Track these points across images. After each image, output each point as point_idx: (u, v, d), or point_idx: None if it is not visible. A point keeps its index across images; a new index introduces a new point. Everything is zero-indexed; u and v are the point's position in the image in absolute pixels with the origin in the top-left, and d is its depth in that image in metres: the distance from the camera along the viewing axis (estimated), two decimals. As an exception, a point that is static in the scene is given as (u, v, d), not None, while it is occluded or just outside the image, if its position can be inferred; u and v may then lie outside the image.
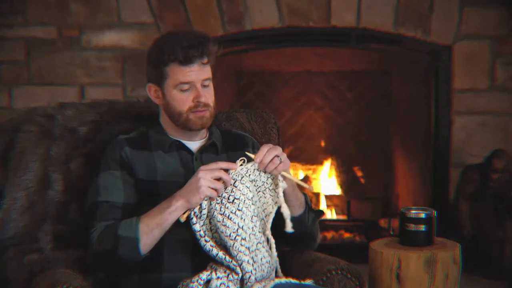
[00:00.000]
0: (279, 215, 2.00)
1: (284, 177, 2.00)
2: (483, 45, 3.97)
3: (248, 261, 1.91)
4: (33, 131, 2.19)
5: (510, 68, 3.99)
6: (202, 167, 1.93)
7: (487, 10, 3.95)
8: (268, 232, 1.99)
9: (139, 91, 3.92)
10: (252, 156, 1.97)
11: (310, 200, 2.16)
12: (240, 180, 1.95)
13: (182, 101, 2.04)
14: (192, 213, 1.93)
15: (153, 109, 2.25)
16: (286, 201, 2.02)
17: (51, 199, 2.17)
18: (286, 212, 1.98)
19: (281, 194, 1.98)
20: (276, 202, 1.98)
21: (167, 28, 3.91)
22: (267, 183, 1.99)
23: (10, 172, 2.16)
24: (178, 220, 1.93)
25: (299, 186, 2.08)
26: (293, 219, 2.04)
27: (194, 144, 2.12)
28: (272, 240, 1.99)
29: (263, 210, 2.00)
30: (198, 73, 2.03)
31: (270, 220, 1.99)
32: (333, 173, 4.67)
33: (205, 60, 2.04)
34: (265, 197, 1.99)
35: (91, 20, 3.93)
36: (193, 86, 2.03)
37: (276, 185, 1.98)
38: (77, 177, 2.19)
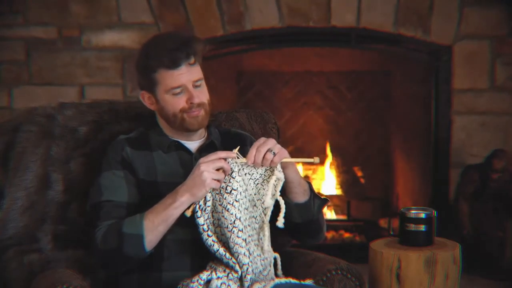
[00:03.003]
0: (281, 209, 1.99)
1: (286, 164, 1.97)
2: (483, 45, 3.97)
3: (244, 253, 1.91)
4: (33, 131, 2.19)
5: (510, 68, 3.99)
6: (201, 160, 1.92)
7: (487, 10, 3.95)
8: (266, 226, 1.98)
9: (139, 91, 3.92)
10: (244, 160, 1.96)
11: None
12: (238, 172, 1.95)
13: (176, 104, 2.04)
14: (197, 206, 1.93)
15: (154, 109, 2.26)
16: (290, 188, 2.01)
17: (51, 199, 2.17)
18: (268, 202, 1.96)
19: (271, 185, 1.95)
20: (273, 195, 1.96)
21: (167, 28, 3.92)
22: (264, 174, 1.98)
23: (10, 172, 2.16)
24: (183, 216, 1.93)
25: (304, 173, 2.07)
26: (298, 206, 2.03)
27: (193, 144, 2.12)
28: (267, 235, 1.97)
29: (262, 203, 1.98)
30: (187, 74, 2.02)
31: (269, 213, 1.98)
32: (333, 173, 4.67)
33: (192, 60, 2.03)
34: (263, 189, 1.98)
35: (91, 20, 3.93)
36: (184, 88, 2.03)
37: (270, 176, 1.96)
38: (77, 177, 2.19)
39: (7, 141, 2.20)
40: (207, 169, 1.90)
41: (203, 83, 2.07)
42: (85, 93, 3.96)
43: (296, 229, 2.09)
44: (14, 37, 3.93)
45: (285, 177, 1.99)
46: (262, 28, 3.95)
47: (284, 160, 1.96)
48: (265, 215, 1.98)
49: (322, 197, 2.13)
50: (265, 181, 1.98)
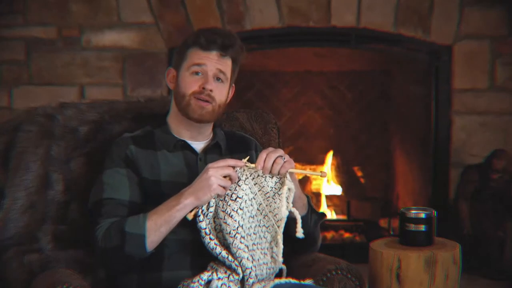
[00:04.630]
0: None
1: (292, 174, 1.98)
2: (483, 45, 3.98)
3: (247, 258, 1.92)
4: (33, 131, 2.19)
5: (510, 68, 3.99)
6: (210, 165, 1.93)
7: (487, 10, 3.95)
8: (280, 238, 1.98)
9: (139, 91, 3.93)
10: (252, 166, 1.97)
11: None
12: (244, 181, 1.96)
13: (189, 83, 2.05)
14: (200, 211, 1.93)
15: (154, 109, 2.25)
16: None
17: (51, 199, 2.17)
18: (297, 216, 1.97)
19: (284, 196, 1.96)
20: (286, 207, 1.96)
21: (167, 28, 3.92)
22: (275, 188, 1.98)
23: (10, 172, 2.16)
24: (184, 218, 1.93)
25: (301, 186, 2.07)
26: (295, 220, 2.04)
27: (198, 145, 2.13)
28: (281, 246, 1.98)
29: (274, 216, 1.98)
30: (214, 62, 2.05)
31: (282, 225, 1.98)
32: (333, 173, 4.67)
33: (224, 52, 2.06)
34: (275, 203, 1.98)
35: (91, 20, 3.93)
36: (205, 73, 2.05)
37: (281, 188, 1.97)
38: (78, 177, 2.19)
39: (7, 141, 2.20)
40: (215, 174, 1.91)
41: (226, 82, 2.09)
42: (85, 93, 3.96)
43: (290, 240, 2.09)
44: (14, 37, 3.93)
45: (296, 184, 2.01)
46: (262, 28, 3.95)
47: (292, 170, 1.97)
48: (278, 226, 1.98)
49: (319, 211, 2.16)
50: (276, 194, 1.98)
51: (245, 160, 1.97)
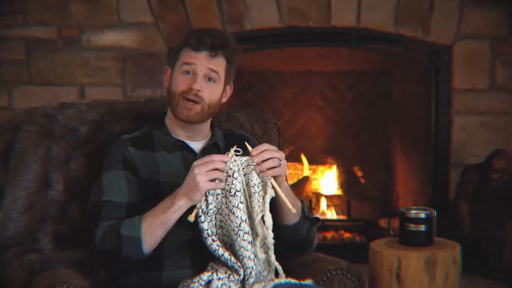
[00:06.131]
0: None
1: (273, 187, 1.95)
2: (483, 45, 3.97)
3: (249, 257, 1.92)
4: (34, 131, 2.19)
5: (510, 68, 3.99)
6: (195, 163, 1.92)
7: (487, 10, 3.95)
8: (257, 235, 1.96)
9: (139, 91, 3.93)
10: (250, 148, 1.96)
11: (310, 202, 2.14)
12: (238, 171, 1.94)
13: (179, 83, 2.06)
14: (200, 210, 1.92)
15: (154, 109, 2.26)
16: (282, 208, 1.99)
17: (51, 199, 2.17)
18: (268, 221, 1.93)
19: (268, 203, 1.93)
20: (261, 210, 1.94)
21: (167, 28, 3.92)
22: (258, 187, 1.95)
23: (10, 172, 2.16)
24: (184, 220, 1.91)
25: (301, 186, 2.07)
26: (288, 228, 2.04)
27: (197, 145, 2.13)
28: (258, 244, 1.96)
29: (256, 214, 1.97)
30: (204, 62, 2.05)
31: (266, 226, 1.96)
32: (333, 173, 4.67)
33: (214, 53, 2.06)
34: (252, 202, 1.95)
35: (91, 20, 3.93)
36: (195, 73, 2.05)
37: (265, 192, 1.94)
38: (78, 177, 2.20)
39: (7, 141, 2.20)
40: (200, 172, 1.90)
41: (217, 83, 2.09)
42: (85, 93, 3.96)
43: (285, 244, 2.10)
44: (14, 37, 3.93)
45: (278, 197, 1.98)
46: (262, 28, 3.95)
47: (274, 184, 1.94)
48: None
49: (314, 216, 2.15)
50: (256, 193, 1.95)
51: (232, 150, 1.95)
